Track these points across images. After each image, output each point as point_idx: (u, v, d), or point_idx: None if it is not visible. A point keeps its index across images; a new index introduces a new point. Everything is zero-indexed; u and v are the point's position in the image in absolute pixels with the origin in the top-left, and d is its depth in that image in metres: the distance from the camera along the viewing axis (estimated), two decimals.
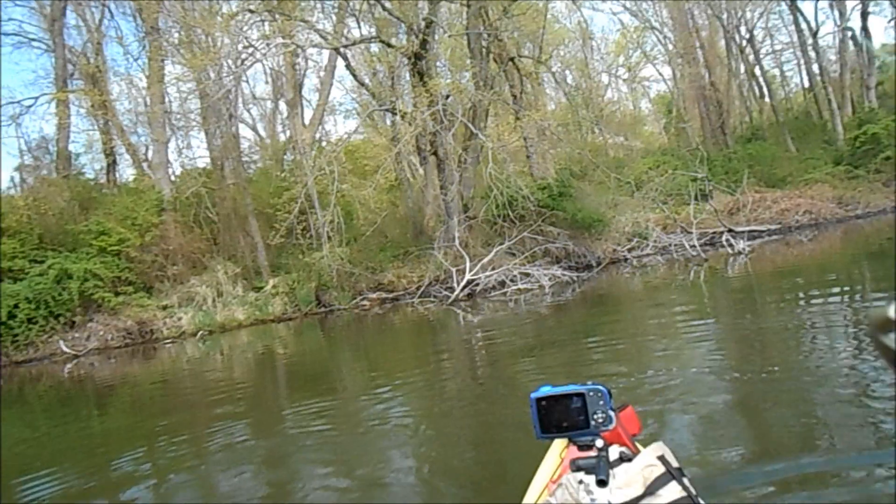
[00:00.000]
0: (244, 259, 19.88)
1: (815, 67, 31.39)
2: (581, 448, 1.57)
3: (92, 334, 16.53)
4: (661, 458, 1.93)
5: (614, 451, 2.03)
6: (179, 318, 17.34)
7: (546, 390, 1.56)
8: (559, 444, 2.47)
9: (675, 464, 1.94)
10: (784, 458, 3.77)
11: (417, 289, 17.59)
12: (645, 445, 2.17)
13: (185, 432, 7.11)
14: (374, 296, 18.07)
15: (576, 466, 1.55)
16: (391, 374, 8.77)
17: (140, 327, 16.95)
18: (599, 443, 1.55)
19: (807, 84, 34.32)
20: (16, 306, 15.80)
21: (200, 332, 16.92)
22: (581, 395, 1.53)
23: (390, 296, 18.01)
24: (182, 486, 5.30)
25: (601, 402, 1.53)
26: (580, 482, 1.61)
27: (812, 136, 30.00)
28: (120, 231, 17.79)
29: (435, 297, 16.89)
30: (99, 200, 20.50)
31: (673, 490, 1.84)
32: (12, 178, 27.17)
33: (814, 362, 6.01)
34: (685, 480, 1.89)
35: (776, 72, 38.80)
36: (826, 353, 6.31)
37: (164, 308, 17.60)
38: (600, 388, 1.53)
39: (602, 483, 1.49)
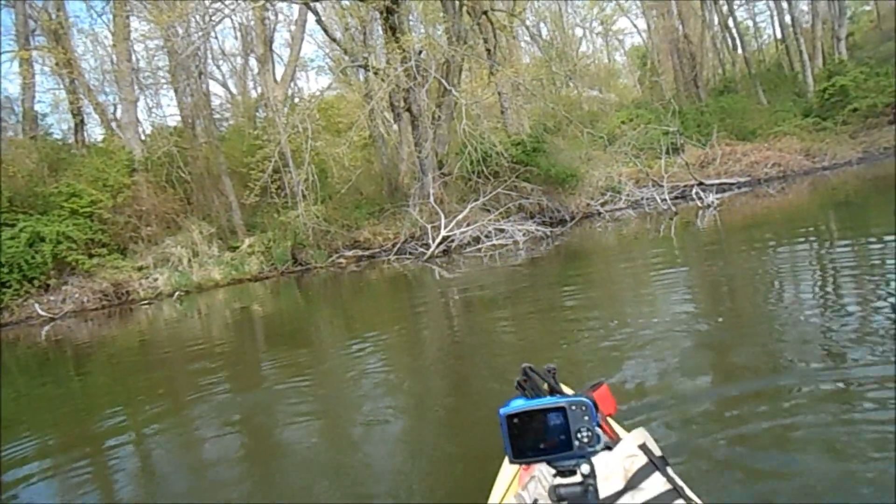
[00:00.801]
0: (219, 219, 19.81)
1: (788, 18, 31.45)
2: (562, 473, 1.34)
3: (67, 297, 16.49)
4: (643, 447, 1.83)
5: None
6: (155, 279, 17.34)
7: (518, 405, 1.34)
8: None
9: (657, 452, 1.83)
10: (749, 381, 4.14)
11: (393, 246, 17.74)
12: (620, 423, 2.25)
13: (163, 390, 7.23)
14: (350, 253, 18.17)
15: (557, 496, 1.33)
16: (368, 329, 8.92)
17: (116, 289, 16.93)
18: (585, 468, 1.32)
19: (779, 35, 34.42)
20: None
21: (177, 293, 16.96)
22: (561, 410, 1.31)
23: (366, 253, 18.13)
24: (163, 443, 5.37)
25: (586, 418, 1.31)
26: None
27: (783, 88, 30.23)
28: (91, 193, 17.59)
29: (411, 253, 17.06)
30: (68, 161, 20.15)
31: (657, 482, 1.74)
32: None
33: (781, 304, 6.34)
34: (669, 470, 1.79)
35: (749, 23, 38.98)
36: (792, 296, 6.63)
37: (140, 269, 17.57)
38: (584, 399, 1.33)
39: None
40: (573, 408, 1.30)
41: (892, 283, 5.95)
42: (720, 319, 6.05)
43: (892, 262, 6.73)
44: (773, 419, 3.51)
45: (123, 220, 18.14)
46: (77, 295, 16.53)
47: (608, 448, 1.83)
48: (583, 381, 4.50)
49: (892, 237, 7.94)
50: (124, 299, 16.91)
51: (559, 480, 1.34)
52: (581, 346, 5.92)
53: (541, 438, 1.31)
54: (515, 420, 1.31)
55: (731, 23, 34.30)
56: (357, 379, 6.23)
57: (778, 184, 19.73)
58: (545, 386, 2.18)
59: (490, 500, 2.13)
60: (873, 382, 3.79)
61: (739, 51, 34.44)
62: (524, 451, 1.32)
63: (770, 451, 3.17)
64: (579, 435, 1.30)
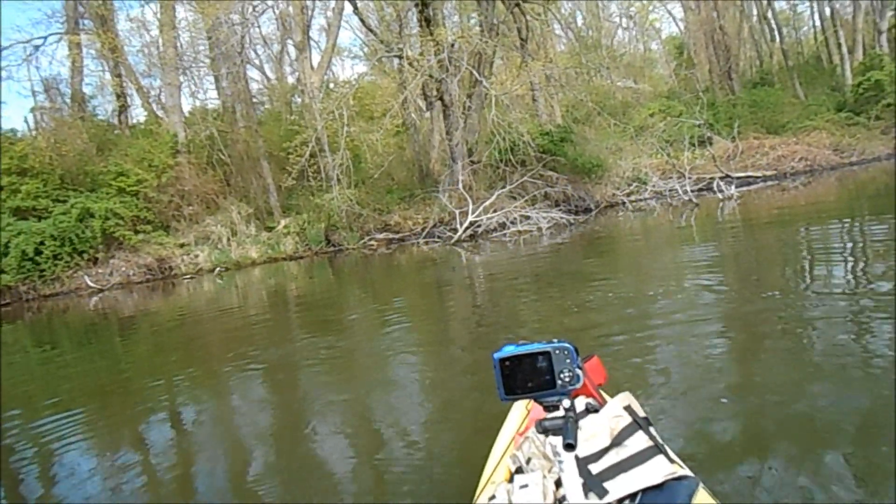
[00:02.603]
0: (256, 200, 20.67)
1: (827, 10, 31.04)
2: (547, 409, 1.51)
3: (114, 270, 17.48)
4: (628, 409, 1.97)
5: (580, 403, 2.10)
6: (196, 256, 18.25)
7: (509, 350, 1.49)
8: None
9: (641, 413, 1.98)
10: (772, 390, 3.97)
11: (422, 230, 18.37)
12: (611, 394, 2.34)
13: (201, 359, 7.75)
14: (380, 236, 18.85)
15: (542, 428, 1.50)
16: (397, 307, 9.50)
17: (159, 264, 17.91)
18: (566, 402, 1.49)
19: (819, 27, 33.96)
20: (42, 243, 16.71)
21: (217, 269, 17.84)
22: (546, 354, 1.47)
23: (396, 236, 18.79)
24: (197, 412, 5.62)
25: (567, 361, 1.47)
26: (547, 440, 1.63)
27: (820, 82, 29.91)
28: (137, 172, 18.55)
29: (439, 237, 17.67)
30: (114, 142, 21.18)
31: (640, 440, 1.88)
32: (26, 119, 27.74)
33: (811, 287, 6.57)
34: (651, 430, 1.93)
35: (789, 13, 38.37)
36: (822, 277, 6.91)
37: (182, 246, 18.50)
38: (566, 345, 1.47)
39: (570, 447, 1.44)
40: (557, 352, 1.47)
41: None
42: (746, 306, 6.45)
43: None
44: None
45: (167, 199, 19.08)
46: (123, 268, 17.52)
47: (596, 411, 1.99)
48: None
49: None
50: (167, 274, 17.88)
51: (544, 415, 1.51)
52: (594, 318, 6.30)
53: (528, 378, 1.48)
54: (507, 363, 1.48)
55: (769, 13, 33.87)
56: (386, 355, 6.49)
57: (804, 178, 19.80)
58: None
59: (488, 464, 2.26)
60: None
61: (777, 42, 34.01)
62: (514, 390, 1.49)
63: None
64: (562, 375, 1.46)
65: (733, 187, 17.84)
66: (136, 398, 6.16)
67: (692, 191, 18.25)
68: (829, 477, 2.77)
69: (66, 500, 3.77)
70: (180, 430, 5.17)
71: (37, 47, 22.83)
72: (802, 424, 3.32)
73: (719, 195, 17.40)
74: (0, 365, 8.81)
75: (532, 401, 2.11)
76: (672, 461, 1.85)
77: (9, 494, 4.11)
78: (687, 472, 1.84)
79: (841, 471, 2.82)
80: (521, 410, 2.42)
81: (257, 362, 6.93)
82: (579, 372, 1.48)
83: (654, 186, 19.59)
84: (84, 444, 4.87)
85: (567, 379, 1.47)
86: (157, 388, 6.54)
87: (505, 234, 16.56)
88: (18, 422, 5.72)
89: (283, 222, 19.53)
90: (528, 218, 17.02)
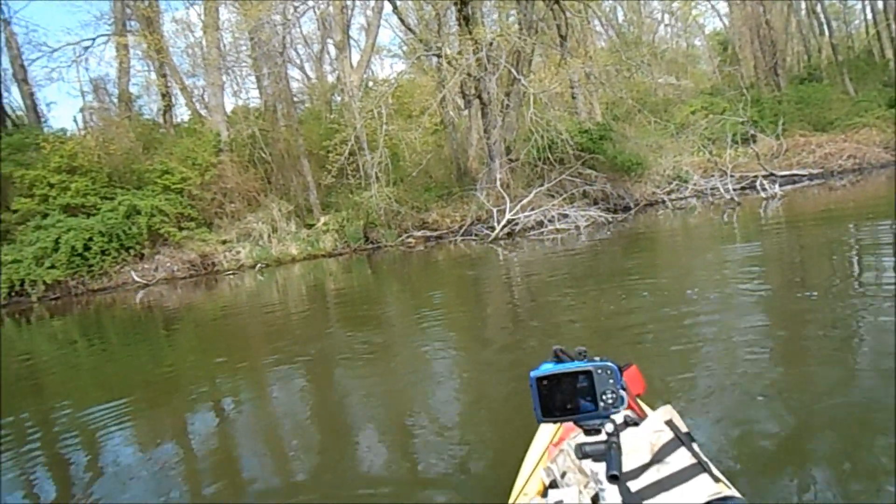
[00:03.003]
0: (296, 197, 20.98)
1: (880, 2, 30.12)
2: (588, 432, 1.41)
3: (160, 266, 17.94)
4: (670, 423, 1.88)
5: (619, 416, 2.01)
6: (238, 252, 18.61)
7: (548, 368, 1.41)
8: None
9: (683, 428, 1.88)
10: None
11: (460, 227, 18.41)
12: (649, 404, 2.31)
13: (243, 353, 7.95)
14: (418, 234, 18.94)
15: (582, 453, 1.40)
16: (436, 305, 9.56)
17: (203, 260, 18.32)
18: (609, 427, 1.40)
19: (871, 20, 32.94)
20: (90, 239, 17.23)
21: (258, 265, 18.16)
22: (588, 373, 1.38)
23: (434, 234, 18.85)
24: (237, 404, 5.71)
25: (611, 381, 1.37)
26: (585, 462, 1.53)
27: (872, 77, 29.00)
28: (182, 170, 19.00)
29: (476, 235, 17.69)
30: (160, 141, 21.73)
31: (682, 457, 1.78)
32: (75, 119, 28.63)
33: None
34: (695, 446, 1.84)
35: (839, 6, 37.26)
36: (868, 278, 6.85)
37: (224, 243, 18.89)
38: (609, 364, 1.38)
39: (614, 479, 1.33)
40: (599, 371, 1.37)
41: None
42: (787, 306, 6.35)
43: None
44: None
45: (210, 197, 19.50)
46: (168, 264, 17.97)
47: (635, 424, 1.87)
48: (623, 351, 5.03)
49: None
50: (210, 269, 18.28)
51: (584, 439, 1.42)
52: (631, 319, 6.30)
53: (568, 399, 1.39)
54: (545, 382, 1.39)
55: (818, 7, 32.94)
56: (424, 354, 6.55)
57: (853, 176, 19.27)
58: None
59: (520, 474, 2.21)
60: None
61: (826, 37, 33.06)
62: (552, 411, 1.40)
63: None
64: (604, 396, 1.37)
65: (777, 186, 17.45)
66: (181, 390, 6.34)
67: (734, 189, 17.89)
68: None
69: (111, 489, 3.87)
70: (222, 420, 5.33)
71: (86, 48, 23.59)
72: (844, 424, 3.28)
73: (762, 194, 17.03)
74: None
75: None
76: (717, 480, 1.77)
77: (56, 484, 4.23)
78: (733, 492, 1.77)
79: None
80: None
81: (296, 356, 7.08)
82: (623, 394, 1.40)
83: (695, 185, 19.27)
84: (129, 434, 5.03)
85: (610, 401, 1.38)
86: (200, 380, 6.72)
87: (542, 233, 16.49)
88: (69, 411, 5.93)
89: (322, 220, 19.78)
90: (566, 216, 16.92)
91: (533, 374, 1.42)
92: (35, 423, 5.71)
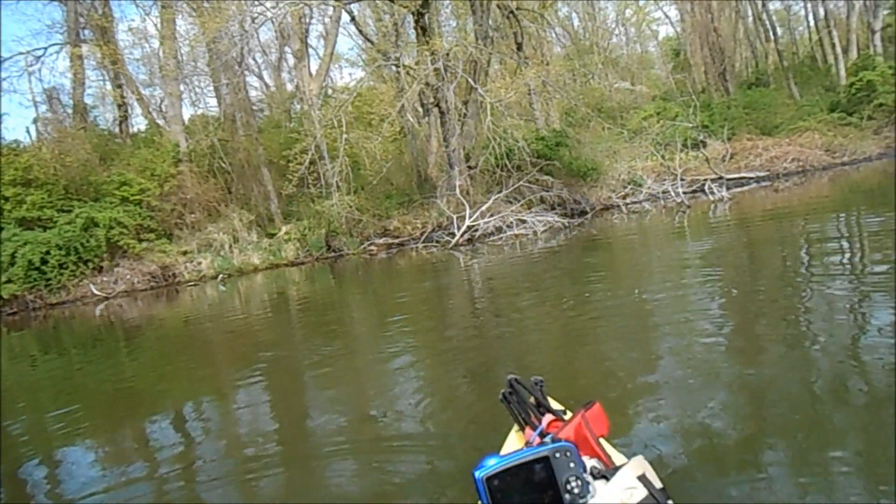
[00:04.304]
0: (257, 207, 21.00)
1: (821, 10, 31.27)
2: None
3: (119, 278, 17.79)
4: (643, 479, 1.68)
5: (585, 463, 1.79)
6: (199, 263, 18.56)
7: (494, 464, 1.15)
8: (515, 436, 2.14)
9: (657, 484, 1.71)
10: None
11: (421, 234, 18.69)
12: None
13: (204, 366, 7.94)
14: (380, 241, 19.16)
15: None
16: (397, 310, 9.70)
17: (163, 271, 18.22)
18: None
19: (813, 27, 34.18)
20: (47, 253, 16.98)
21: (221, 276, 18.15)
22: (544, 460, 1.18)
23: (396, 241, 19.09)
24: (204, 414, 5.71)
25: (572, 465, 1.20)
26: None
27: (815, 82, 30.17)
28: (140, 181, 18.89)
29: (437, 242, 17.97)
30: (116, 152, 21.53)
31: None
32: (27, 130, 28.12)
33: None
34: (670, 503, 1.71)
35: (785, 14, 38.55)
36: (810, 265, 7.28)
37: (185, 253, 18.82)
38: (566, 445, 1.21)
39: None
40: (557, 456, 1.19)
41: None
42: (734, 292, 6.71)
43: None
44: None
45: (170, 208, 19.40)
46: (128, 276, 17.83)
47: (605, 478, 1.66)
48: (580, 362, 5.19)
49: None
50: (171, 281, 18.19)
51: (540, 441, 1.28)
52: (587, 317, 6.58)
53: (527, 497, 1.16)
54: (495, 482, 1.16)
55: (764, 14, 34.07)
56: (387, 359, 6.60)
57: (797, 178, 20.11)
58: (532, 399, 2.14)
59: None
60: None
61: (772, 43, 34.19)
62: None
63: None
64: (569, 486, 1.20)
65: (724, 189, 18.19)
66: (141, 402, 6.30)
67: (685, 193, 18.57)
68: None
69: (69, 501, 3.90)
70: (184, 433, 5.28)
71: (37, 58, 23.22)
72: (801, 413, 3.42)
73: (711, 197, 17.73)
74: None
75: (527, 428, 1.90)
76: None
77: (14, 496, 4.22)
78: None
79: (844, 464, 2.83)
80: (514, 443, 2.12)
81: (259, 364, 7.12)
82: (588, 479, 1.24)
83: (649, 189, 19.88)
84: (89, 446, 5.06)
85: (576, 490, 1.21)
86: (161, 392, 6.71)
87: (501, 238, 16.87)
88: (23, 426, 5.91)
89: (284, 229, 19.85)
90: (524, 222, 17.33)
91: (478, 473, 1.18)
92: None
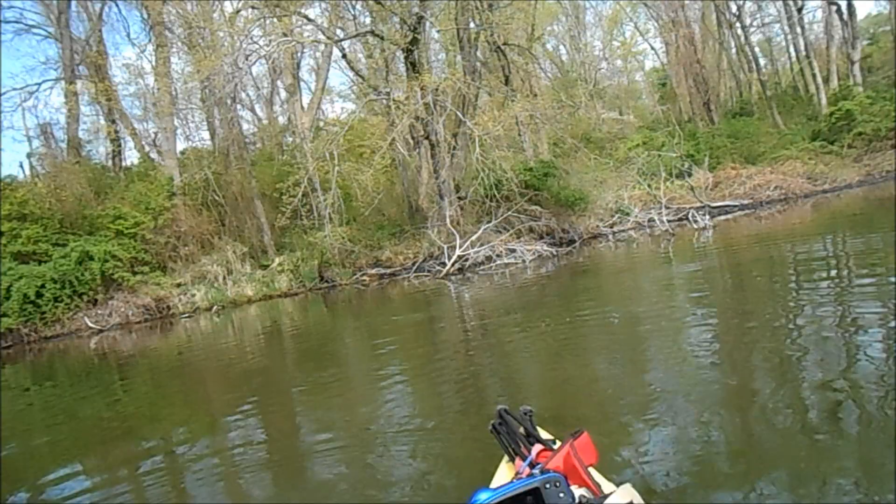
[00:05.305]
0: (251, 239, 21.26)
1: (801, 41, 32.03)
2: None
3: (114, 311, 17.92)
4: None
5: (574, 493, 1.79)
6: (193, 295, 18.72)
7: (486, 498, 1.16)
8: (505, 467, 2.17)
9: None
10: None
11: (413, 264, 18.96)
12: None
13: (199, 396, 8.11)
14: (372, 271, 19.42)
15: None
16: (390, 339, 9.94)
17: (157, 304, 18.37)
18: None
19: (795, 58, 34.96)
20: (42, 286, 17.14)
21: (215, 307, 18.31)
22: (535, 492, 1.21)
23: (388, 271, 19.35)
24: (193, 452, 5.59)
25: (562, 495, 1.23)
26: None
27: (798, 111, 30.78)
28: (135, 215, 19.12)
29: (428, 271, 18.25)
30: (111, 186, 21.80)
31: None
32: (21, 165, 28.42)
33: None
34: None
35: (767, 45, 39.50)
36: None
37: (179, 286, 18.99)
38: (555, 476, 1.24)
39: None
40: (547, 487, 1.21)
41: None
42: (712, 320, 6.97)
43: None
44: None
45: (164, 241, 19.62)
46: (122, 309, 17.97)
47: None
48: (572, 385, 5.41)
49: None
50: (165, 313, 18.34)
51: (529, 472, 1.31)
52: (576, 341, 6.82)
53: None
54: None
55: (746, 47, 34.86)
56: (381, 383, 6.82)
57: (780, 206, 20.51)
58: (521, 429, 2.19)
59: None
60: None
61: (755, 73, 34.89)
62: None
63: None
64: None
65: (707, 217, 18.64)
66: (134, 437, 6.29)
67: (669, 221, 18.99)
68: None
69: None
70: (177, 465, 5.30)
71: (31, 93, 23.62)
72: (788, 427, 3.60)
73: (694, 225, 18.15)
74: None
75: (517, 458, 1.94)
76: None
77: None
78: None
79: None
80: (505, 474, 2.13)
81: (253, 396, 7.24)
82: None
83: (636, 217, 20.27)
84: (83, 480, 5.11)
85: None
86: (154, 426, 6.70)
87: (491, 267, 17.16)
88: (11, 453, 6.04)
89: (277, 260, 20.09)
90: (513, 251, 17.66)
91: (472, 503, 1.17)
92: None
